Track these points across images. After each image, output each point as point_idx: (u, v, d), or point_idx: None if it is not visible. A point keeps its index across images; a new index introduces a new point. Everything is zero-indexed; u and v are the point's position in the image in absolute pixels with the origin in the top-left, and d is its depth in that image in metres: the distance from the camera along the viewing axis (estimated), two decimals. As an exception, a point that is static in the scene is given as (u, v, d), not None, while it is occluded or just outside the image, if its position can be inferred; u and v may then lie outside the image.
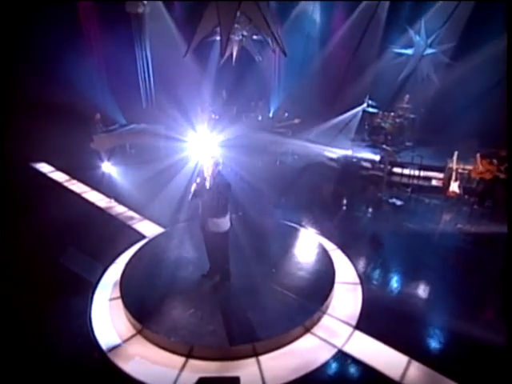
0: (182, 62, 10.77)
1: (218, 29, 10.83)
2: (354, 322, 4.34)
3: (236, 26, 9.81)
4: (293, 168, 9.50)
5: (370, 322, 4.36)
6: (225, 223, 4.23)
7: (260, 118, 11.49)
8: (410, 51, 10.15)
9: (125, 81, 10.49)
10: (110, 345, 4.04)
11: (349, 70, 10.78)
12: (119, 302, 4.51)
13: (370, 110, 10.08)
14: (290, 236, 5.86)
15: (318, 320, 4.32)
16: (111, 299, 4.65)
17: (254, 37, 10.91)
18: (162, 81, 11.00)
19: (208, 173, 4.13)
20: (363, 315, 4.45)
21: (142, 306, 4.30)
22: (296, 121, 10.36)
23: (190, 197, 4.15)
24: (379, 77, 10.30)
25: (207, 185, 4.14)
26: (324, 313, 4.43)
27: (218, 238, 4.28)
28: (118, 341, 4.09)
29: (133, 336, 4.13)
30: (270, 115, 11.68)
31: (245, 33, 10.58)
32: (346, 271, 5.24)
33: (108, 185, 7.89)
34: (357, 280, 5.09)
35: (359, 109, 10.27)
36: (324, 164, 9.45)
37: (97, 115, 9.29)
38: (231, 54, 10.85)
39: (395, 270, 5.47)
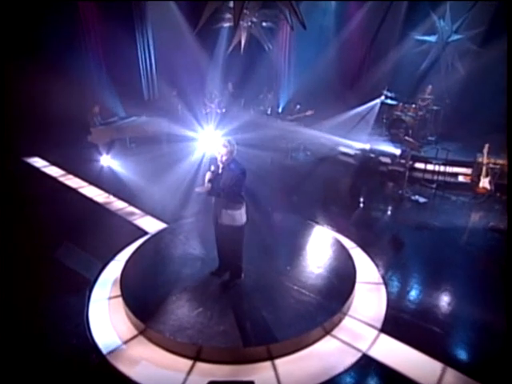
0: (186, 51, 10.85)
1: (226, 15, 10.83)
2: (379, 325, 4.19)
3: (245, 11, 9.81)
4: (305, 164, 9.43)
5: (396, 324, 4.22)
6: (240, 216, 4.10)
7: (269, 111, 11.43)
8: (432, 38, 10.03)
9: (125, 71, 10.45)
10: (110, 346, 3.91)
11: (366, 60, 10.74)
12: (119, 300, 4.40)
13: (389, 101, 9.96)
14: (304, 232, 5.77)
15: (339, 321, 4.18)
16: (110, 298, 4.55)
17: (264, 24, 10.92)
18: (165, 71, 10.95)
19: (222, 159, 4.01)
20: (389, 317, 4.31)
21: (144, 304, 4.20)
22: (308, 113, 10.25)
23: (200, 191, 4.04)
24: (399, 66, 10.20)
25: (221, 171, 4.03)
26: (345, 314, 4.29)
27: (231, 233, 4.16)
28: (118, 342, 3.97)
29: (134, 337, 4.00)
30: (279, 110, 11.59)
31: (254, 19, 10.56)
32: (367, 270, 5.12)
33: (107, 179, 7.81)
34: (380, 280, 4.96)
35: (377, 101, 10.15)
36: (339, 159, 9.35)
37: (95, 108, 9.28)
38: (239, 42, 10.85)
39: (421, 269, 5.36)
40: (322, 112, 10.08)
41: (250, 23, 10.59)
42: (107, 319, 4.26)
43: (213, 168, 4.03)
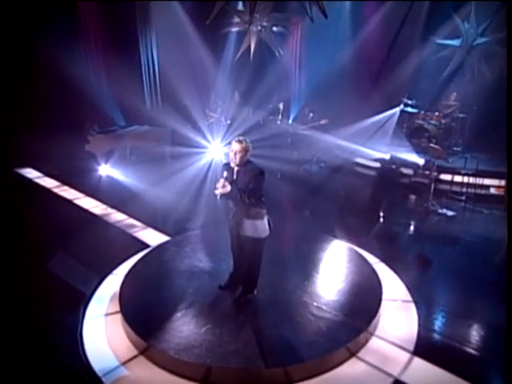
0: (192, 57, 10.96)
1: (234, 20, 10.94)
2: (411, 347, 3.97)
3: (255, 15, 9.94)
4: (320, 176, 9.38)
5: (431, 346, 4.02)
6: (263, 226, 3.97)
7: (279, 122, 11.43)
8: (456, 42, 10.05)
9: (126, 76, 10.49)
10: (106, 368, 3.72)
11: (384, 65, 10.70)
12: (118, 317, 4.25)
13: (409, 109, 9.93)
14: (322, 246, 5.65)
15: (365, 342, 3.98)
16: (107, 314, 4.39)
17: (274, 28, 11.09)
18: (170, 78, 11.01)
19: (236, 161, 3.89)
20: (422, 339, 4.10)
21: (146, 321, 4.03)
22: (323, 122, 10.25)
23: (219, 195, 3.83)
24: (419, 72, 10.21)
25: (235, 176, 3.90)
26: (372, 334, 4.10)
27: (251, 245, 4.02)
28: (115, 363, 3.78)
29: (134, 357, 3.82)
30: (290, 122, 11.59)
31: (264, 23, 10.73)
32: (393, 287, 4.94)
33: (105, 190, 7.81)
34: (408, 297, 4.78)
35: (396, 110, 10.12)
36: (356, 171, 9.34)
37: (86, 122, 9.34)
38: (248, 48, 11.00)
39: (454, 287, 5.18)
40: (336, 120, 10.08)
41: (259, 27, 10.78)
42: (103, 338, 4.09)
43: (226, 174, 3.86)
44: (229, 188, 3.76)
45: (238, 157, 3.87)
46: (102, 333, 4.14)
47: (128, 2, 10.23)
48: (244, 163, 3.91)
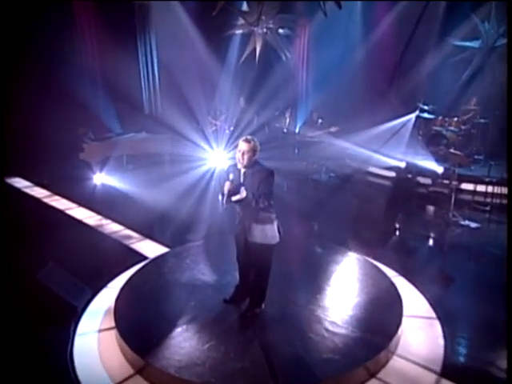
0: (194, 60, 11.01)
1: (238, 21, 11.00)
2: (437, 368, 3.81)
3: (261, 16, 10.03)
4: (329, 187, 9.33)
5: (460, 368, 3.88)
6: (273, 232, 3.91)
7: (285, 130, 11.44)
8: (475, 43, 10.06)
9: (124, 81, 10.54)
10: (98, 388, 3.60)
11: (398, 69, 10.74)
12: (112, 333, 4.15)
13: (426, 115, 9.90)
14: (335, 258, 5.55)
15: (386, 362, 3.83)
16: (101, 330, 4.29)
17: (281, 30, 11.15)
18: (170, 83, 11.08)
19: (243, 162, 3.82)
20: (449, 359, 3.94)
21: (143, 337, 3.92)
22: (332, 129, 10.25)
23: (225, 199, 3.81)
24: (436, 76, 10.19)
25: (242, 179, 3.84)
26: (393, 353, 3.95)
27: (260, 252, 3.94)
28: (109, 383, 3.65)
29: (130, 377, 3.68)
30: (296, 130, 11.58)
31: (270, 25, 10.81)
32: (414, 302, 4.81)
33: (100, 199, 7.77)
34: (432, 314, 4.64)
35: (411, 116, 10.10)
36: (369, 181, 9.34)
37: (80, 129, 9.36)
38: (253, 51, 11.05)
39: (482, 302, 4.96)
40: (347, 126, 10.09)
41: (265, 29, 10.85)
42: (96, 355, 3.97)
43: (232, 176, 3.82)
44: (244, 194, 3.74)
45: (245, 157, 3.81)
46: (95, 350, 4.03)
47: (126, 1, 10.33)
48: (252, 164, 3.85)
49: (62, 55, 9.54)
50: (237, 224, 4.07)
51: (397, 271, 5.46)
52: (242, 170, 3.87)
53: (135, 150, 9.76)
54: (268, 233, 3.88)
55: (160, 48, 11.27)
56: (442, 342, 4.17)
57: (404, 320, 4.28)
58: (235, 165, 3.94)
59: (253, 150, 3.82)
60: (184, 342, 3.80)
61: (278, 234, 3.95)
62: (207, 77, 11.34)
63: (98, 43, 10.44)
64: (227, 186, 3.79)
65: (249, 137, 3.91)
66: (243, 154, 3.81)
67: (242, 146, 3.82)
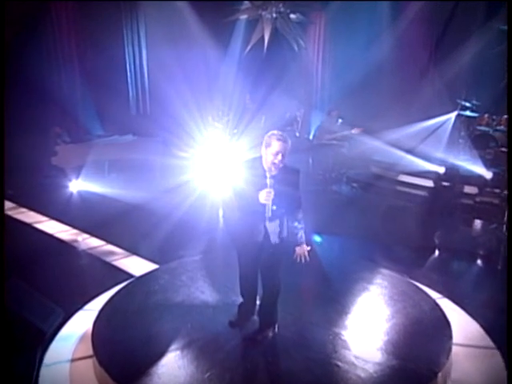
0: (191, 51, 11.07)
1: (242, 6, 11.07)
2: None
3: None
4: (353, 199, 9.36)
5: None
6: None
7: (298, 134, 11.41)
8: (525, 28, 10.06)
9: (107, 77, 10.65)
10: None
11: (433, 59, 10.73)
12: (88, 362, 4.08)
13: (468, 113, 9.88)
14: (365, 274, 5.52)
15: (435, 397, 3.67)
16: (74, 359, 4.21)
17: (292, 15, 11.24)
18: (162, 78, 11.11)
19: (280, 166, 3.74)
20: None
21: (128, 365, 3.83)
22: (355, 131, 10.23)
23: (269, 211, 3.80)
24: (479, 67, 10.16)
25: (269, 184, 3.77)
26: (443, 387, 3.79)
27: (279, 252, 4.01)
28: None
29: (110, 415, 3.53)
30: (310, 137, 11.56)
31: (281, 9, 10.90)
32: (466, 328, 4.73)
33: (76, 211, 7.74)
34: (489, 343, 4.52)
35: (451, 115, 10.09)
36: (399, 190, 9.36)
37: (55, 128, 9.39)
38: (261, 39, 11.12)
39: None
40: (372, 125, 10.11)
41: (274, 14, 10.94)
42: (67, 390, 3.85)
43: (270, 182, 3.73)
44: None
45: (283, 160, 3.74)
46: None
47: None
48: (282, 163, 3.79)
49: (34, 46, 9.63)
50: (252, 235, 3.98)
51: (440, 293, 5.39)
52: (267, 176, 3.77)
53: (119, 154, 9.74)
54: (284, 231, 3.98)
55: (150, 38, 11.37)
56: (504, 376, 4.04)
57: (454, 348, 4.19)
58: (248, 164, 3.86)
59: (287, 149, 3.76)
60: (179, 370, 3.72)
61: None
62: (207, 71, 11.41)
63: (77, 32, 10.58)
64: (264, 194, 3.69)
65: (281, 133, 3.81)
66: (283, 155, 3.71)
67: (280, 146, 3.69)
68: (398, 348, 4.04)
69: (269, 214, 3.76)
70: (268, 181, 3.71)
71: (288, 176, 3.83)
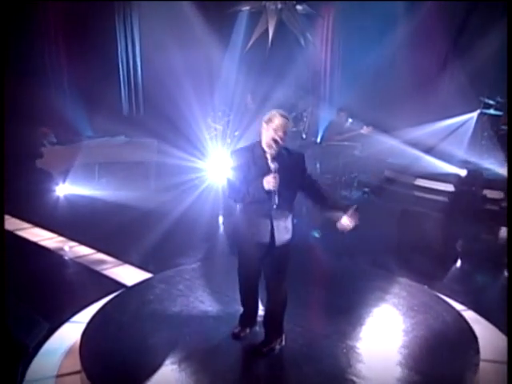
0: (188, 46, 11.08)
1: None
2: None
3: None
4: (365, 205, 9.23)
5: None
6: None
7: (304, 135, 11.38)
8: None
9: (97, 76, 10.66)
10: None
11: (451, 53, 10.74)
12: (75, 379, 4.06)
13: (492, 111, 9.88)
14: (380, 284, 5.54)
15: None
16: (60, 375, 4.18)
17: (299, 7, 11.25)
18: (157, 75, 11.15)
19: (282, 143, 3.77)
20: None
21: (121, 380, 3.85)
22: (364, 130, 10.18)
23: (276, 199, 3.78)
24: (504, 61, 10.11)
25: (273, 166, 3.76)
26: (470, 407, 3.75)
27: (285, 253, 4.02)
28: None
29: None
30: (318, 140, 11.54)
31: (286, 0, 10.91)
32: (494, 343, 4.67)
33: (63, 217, 7.82)
34: None
35: (472, 114, 10.09)
36: (416, 195, 9.29)
37: (43, 129, 9.41)
38: (265, 32, 11.12)
39: None
40: (385, 124, 10.02)
41: (279, 6, 10.95)
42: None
43: (274, 166, 3.71)
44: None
45: (284, 138, 3.76)
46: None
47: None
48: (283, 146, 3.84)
49: (21, 42, 9.69)
50: (254, 233, 3.97)
51: (464, 304, 5.38)
52: (269, 160, 3.77)
53: (110, 157, 9.74)
54: (289, 225, 4.01)
55: (144, 33, 11.44)
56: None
57: (482, 364, 4.14)
58: (247, 150, 3.87)
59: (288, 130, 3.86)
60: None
61: None
62: (206, 69, 11.42)
63: (66, 29, 10.69)
64: (274, 179, 3.68)
65: (279, 110, 3.85)
66: (285, 132, 3.75)
67: (282, 121, 3.74)
68: (419, 363, 4.02)
69: (275, 201, 3.72)
70: (272, 165, 3.69)
71: (292, 161, 3.88)
